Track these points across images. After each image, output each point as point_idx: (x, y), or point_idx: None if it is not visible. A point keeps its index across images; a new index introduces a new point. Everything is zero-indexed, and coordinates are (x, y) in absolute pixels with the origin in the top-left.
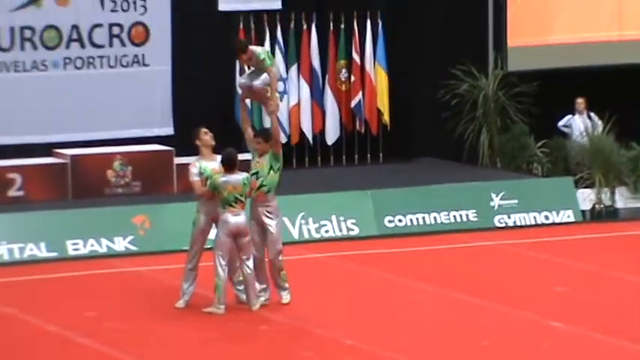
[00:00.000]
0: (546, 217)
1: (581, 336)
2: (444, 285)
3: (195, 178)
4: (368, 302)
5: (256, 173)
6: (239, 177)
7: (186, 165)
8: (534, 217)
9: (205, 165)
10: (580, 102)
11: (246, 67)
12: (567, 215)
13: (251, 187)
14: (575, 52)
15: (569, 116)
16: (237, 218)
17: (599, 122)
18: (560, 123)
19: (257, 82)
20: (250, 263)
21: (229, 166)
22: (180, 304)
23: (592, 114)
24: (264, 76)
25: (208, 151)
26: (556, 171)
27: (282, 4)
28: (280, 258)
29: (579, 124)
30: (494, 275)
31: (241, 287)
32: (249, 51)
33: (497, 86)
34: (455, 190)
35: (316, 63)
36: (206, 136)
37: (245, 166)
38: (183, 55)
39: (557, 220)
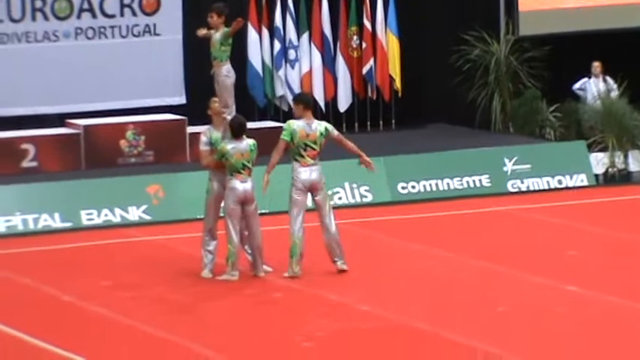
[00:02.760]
0: (559, 182)
1: (595, 299)
2: (458, 250)
3: (203, 147)
4: (382, 268)
5: None
6: (247, 143)
7: (199, 134)
8: (547, 182)
9: (216, 135)
10: (596, 65)
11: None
12: (580, 179)
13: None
14: (586, 15)
15: (585, 79)
16: (244, 185)
17: (615, 86)
18: (576, 86)
19: None
20: (258, 230)
21: (238, 132)
22: (206, 273)
23: (608, 77)
24: None
25: (219, 118)
26: (569, 135)
27: None
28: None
29: (594, 87)
30: (507, 240)
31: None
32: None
33: (509, 51)
34: (468, 155)
35: (327, 30)
36: (215, 104)
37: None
38: (194, 24)
39: (571, 184)
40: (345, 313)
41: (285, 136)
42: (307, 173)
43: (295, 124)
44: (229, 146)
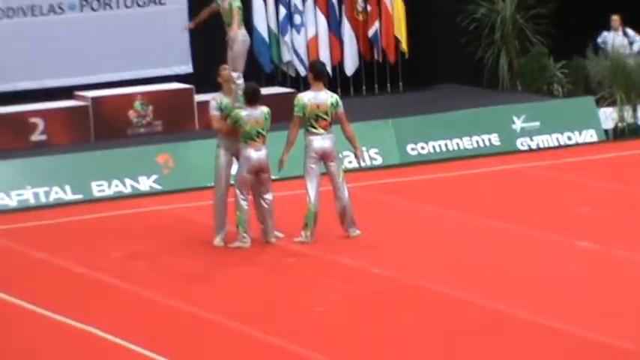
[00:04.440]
0: (569, 138)
1: (609, 255)
2: (469, 210)
3: (214, 112)
4: (393, 231)
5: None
6: (261, 111)
7: (207, 102)
8: (557, 139)
9: (227, 101)
10: (615, 19)
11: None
12: (590, 135)
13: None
14: None
15: (605, 33)
16: (259, 153)
17: (638, 37)
18: (599, 40)
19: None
20: (269, 196)
21: (252, 99)
22: (218, 241)
23: (628, 29)
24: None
25: (228, 85)
26: (577, 91)
27: None
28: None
29: (615, 40)
30: (518, 198)
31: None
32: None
33: (515, 9)
34: (476, 114)
35: None
36: (225, 71)
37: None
38: None
39: (580, 141)
40: (358, 276)
41: (297, 112)
42: (320, 141)
43: (305, 98)
44: (244, 113)
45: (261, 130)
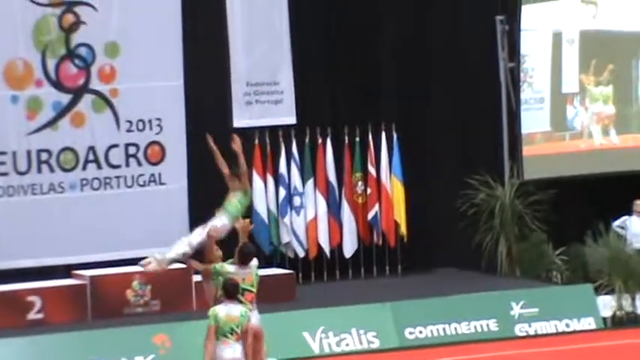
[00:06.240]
0: (567, 325)
1: None
2: None
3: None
4: None
5: None
6: (238, 308)
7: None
8: (555, 325)
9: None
10: (638, 203)
11: None
12: (588, 322)
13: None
14: (590, 158)
15: (626, 217)
16: (233, 353)
17: None
18: (616, 223)
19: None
20: None
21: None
22: None
23: None
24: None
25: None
26: (575, 278)
27: (297, 119)
28: None
29: (636, 225)
30: None
31: None
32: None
33: (514, 195)
34: (475, 299)
35: (332, 176)
36: (218, 252)
37: None
38: (199, 172)
39: (579, 328)
40: None
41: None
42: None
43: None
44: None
45: (235, 328)
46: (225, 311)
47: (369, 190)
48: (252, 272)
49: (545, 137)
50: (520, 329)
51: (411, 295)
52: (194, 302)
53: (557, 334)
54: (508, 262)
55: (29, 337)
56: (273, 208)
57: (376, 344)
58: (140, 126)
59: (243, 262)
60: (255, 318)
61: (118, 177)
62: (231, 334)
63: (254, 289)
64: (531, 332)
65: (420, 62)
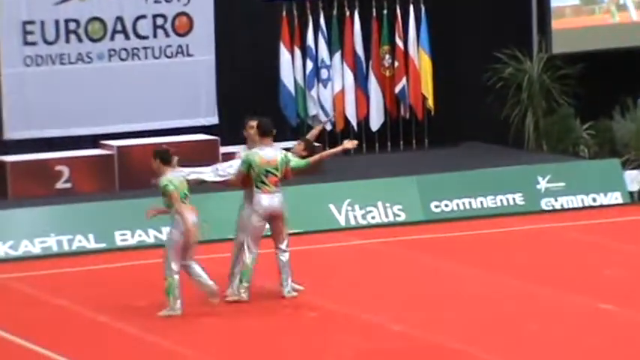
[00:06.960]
0: (594, 200)
1: (632, 318)
2: (492, 269)
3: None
4: (415, 288)
5: None
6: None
7: (232, 154)
8: (582, 200)
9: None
10: None
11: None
12: (615, 197)
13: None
14: (619, 31)
15: None
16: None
17: None
18: None
19: None
20: (284, 246)
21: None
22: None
23: None
24: None
25: (253, 145)
26: (603, 153)
27: None
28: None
29: None
30: (542, 259)
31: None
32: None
33: (542, 69)
34: (501, 173)
35: (359, 49)
36: (251, 130)
37: None
38: (226, 44)
39: (605, 202)
40: (378, 333)
41: (243, 168)
42: (268, 200)
43: (254, 154)
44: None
45: (272, 171)
46: (260, 155)
47: (396, 63)
48: (278, 156)
49: (574, 11)
50: (546, 203)
51: (437, 168)
52: None
53: (584, 208)
54: (535, 136)
55: (57, 206)
56: (300, 80)
57: (402, 217)
58: None
59: (264, 136)
60: (278, 200)
61: (145, 48)
62: (267, 178)
63: (278, 173)
64: (557, 206)
65: None
